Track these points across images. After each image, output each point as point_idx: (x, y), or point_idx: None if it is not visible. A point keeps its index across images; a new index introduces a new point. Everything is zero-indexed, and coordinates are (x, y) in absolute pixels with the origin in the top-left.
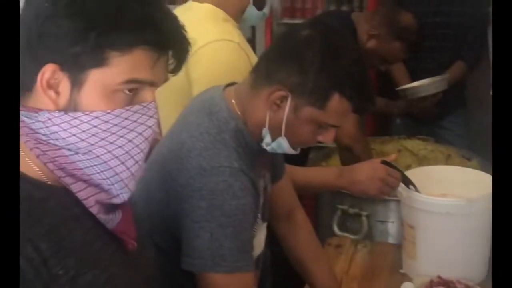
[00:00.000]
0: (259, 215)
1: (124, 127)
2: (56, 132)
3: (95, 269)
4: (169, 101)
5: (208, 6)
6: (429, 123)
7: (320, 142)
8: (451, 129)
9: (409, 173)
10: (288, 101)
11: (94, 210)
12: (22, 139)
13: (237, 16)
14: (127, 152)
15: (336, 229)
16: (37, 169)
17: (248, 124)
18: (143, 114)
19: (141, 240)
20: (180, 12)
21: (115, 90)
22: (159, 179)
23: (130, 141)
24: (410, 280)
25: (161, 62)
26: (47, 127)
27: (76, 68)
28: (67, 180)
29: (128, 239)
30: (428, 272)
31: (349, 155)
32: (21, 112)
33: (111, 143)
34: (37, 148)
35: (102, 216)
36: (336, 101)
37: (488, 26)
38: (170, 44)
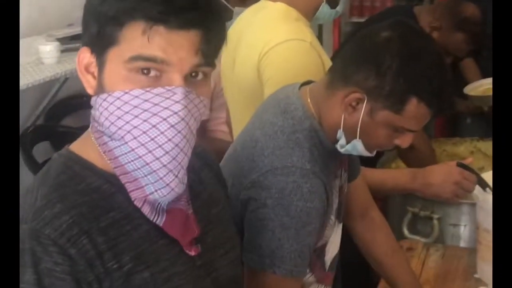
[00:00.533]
0: (333, 217)
1: (145, 110)
2: (97, 116)
3: (154, 267)
4: (241, 102)
5: (281, 5)
6: None
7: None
8: None
9: (484, 176)
10: (364, 104)
11: (145, 210)
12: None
13: (310, 14)
14: (152, 139)
15: (406, 231)
16: (108, 160)
17: (323, 125)
18: (167, 98)
19: (221, 239)
20: (253, 12)
21: (130, 70)
22: (231, 175)
23: (154, 126)
24: (485, 285)
25: (180, 41)
26: (95, 112)
27: (98, 48)
28: (118, 173)
29: (182, 240)
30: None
31: (411, 154)
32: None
33: (135, 127)
34: (97, 137)
35: (149, 215)
36: (414, 106)
37: None
38: (187, 20)
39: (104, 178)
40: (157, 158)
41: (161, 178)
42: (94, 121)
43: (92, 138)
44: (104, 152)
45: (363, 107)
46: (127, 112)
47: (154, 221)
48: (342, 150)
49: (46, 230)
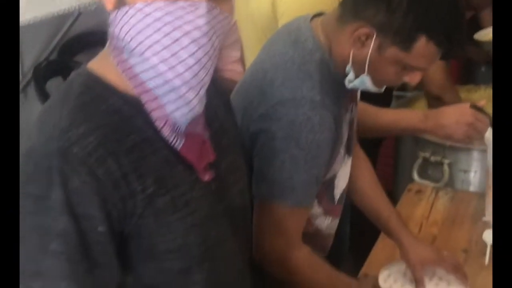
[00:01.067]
0: (342, 150)
1: (167, 23)
2: (116, 32)
3: (174, 191)
4: (254, 38)
5: None
6: None
7: (405, 83)
8: None
9: None
10: (373, 39)
11: (165, 131)
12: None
13: None
14: (173, 54)
15: (416, 176)
16: (128, 80)
17: (334, 57)
18: (190, 12)
19: (231, 168)
20: None
21: None
22: (242, 107)
23: (176, 40)
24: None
25: None
26: (114, 28)
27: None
28: (138, 91)
29: (197, 165)
30: None
31: (439, 105)
32: None
33: (156, 42)
34: (116, 54)
35: (169, 137)
36: (423, 44)
37: None
38: None
39: (123, 100)
40: (179, 75)
41: (182, 96)
42: (113, 38)
43: (111, 57)
44: (123, 71)
45: (372, 43)
46: (148, 25)
47: (172, 144)
48: (350, 85)
49: (74, 149)
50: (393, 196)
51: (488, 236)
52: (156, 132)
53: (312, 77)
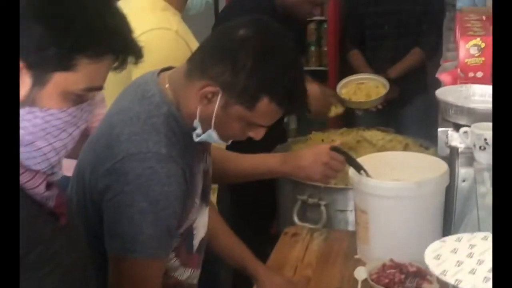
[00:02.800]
0: (198, 200)
1: (70, 123)
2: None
3: (40, 245)
4: (114, 95)
5: None
6: (390, 113)
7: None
8: (412, 117)
9: (363, 159)
10: (218, 98)
11: (40, 190)
12: None
13: (179, 5)
14: (64, 144)
15: (296, 219)
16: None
17: (182, 111)
18: (89, 112)
19: (72, 218)
20: (123, 4)
21: (73, 93)
22: (90, 162)
23: (70, 134)
24: (364, 265)
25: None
26: None
27: (41, 68)
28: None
29: (61, 214)
30: (381, 256)
31: None
32: None
33: (55, 136)
34: None
35: (45, 194)
36: (265, 104)
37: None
38: (129, 50)
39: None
40: (58, 154)
41: (56, 165)
42: None
43: None
44: None
45: (218, 101)
46: (54, 126)
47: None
48: (198, 139)
49: None
50: (277, 240)
51: (359, 273)
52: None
53: (159, 130)
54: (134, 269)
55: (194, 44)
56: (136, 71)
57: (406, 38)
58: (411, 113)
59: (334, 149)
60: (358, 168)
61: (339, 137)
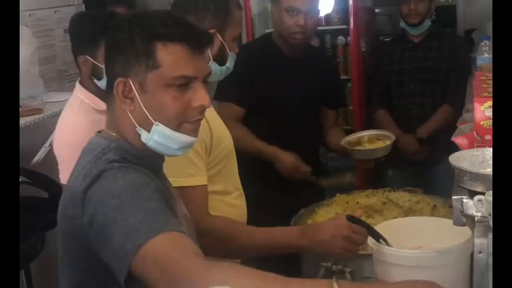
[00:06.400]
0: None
1: None
2: None
3: None
4: None
5: None
6: (419, 173)
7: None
8: (442, 176)
9: (382, 226)
10: (131, 85)
11: None
12: None
13: None
14: None
15: None
16: None
17: (128, 139)
18: None
19: None
20: None
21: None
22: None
23: None
24: None
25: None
26: None
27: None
28: None
29: None
30: None
31: None
32: None
33: None
34: None
35: None
36: (162, 50)
37: (469, 71)
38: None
39: None
40: None
41: None
42: None
43: None
44: None
45: (133, 88)
46: None
47: None
48: (150, 144)
49: None
50: None
51: None
52: None
53: (113, 160)
54: (157, 251)
55: None
56: None
57: (433, 96)
58: (441, 172)
59: (350, 218)
60: (377, 236)
61: (364, 199)
